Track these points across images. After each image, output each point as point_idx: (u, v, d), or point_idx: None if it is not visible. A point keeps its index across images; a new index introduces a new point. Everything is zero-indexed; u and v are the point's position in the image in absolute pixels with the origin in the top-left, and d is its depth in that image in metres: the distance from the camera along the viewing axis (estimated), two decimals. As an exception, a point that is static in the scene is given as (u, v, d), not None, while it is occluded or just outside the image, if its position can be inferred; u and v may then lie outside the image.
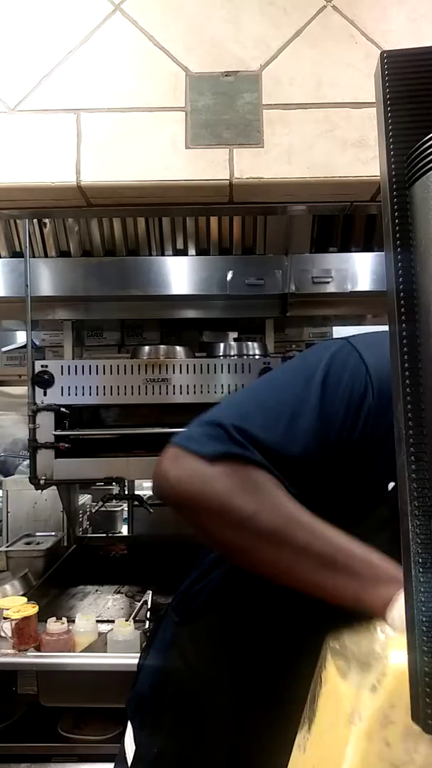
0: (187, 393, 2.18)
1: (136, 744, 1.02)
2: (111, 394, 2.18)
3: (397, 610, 0.68)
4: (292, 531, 0.77)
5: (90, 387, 2.19)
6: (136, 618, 1.89)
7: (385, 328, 0.62)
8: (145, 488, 3.42)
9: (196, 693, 0.98)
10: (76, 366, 2.21)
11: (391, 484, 0.81)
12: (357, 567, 0.74)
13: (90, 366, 2.20)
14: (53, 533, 2.65)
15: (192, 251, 2.39)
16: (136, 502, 2.74)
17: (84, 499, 3.09)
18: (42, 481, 2.15)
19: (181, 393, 2.18)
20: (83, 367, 2.21)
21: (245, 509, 0.78)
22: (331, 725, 0.67)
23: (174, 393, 2.17)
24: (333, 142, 1.41)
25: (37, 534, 2.61)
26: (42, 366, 2.20)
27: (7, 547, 2.46)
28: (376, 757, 0.60)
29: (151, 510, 2.44)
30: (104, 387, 2.19)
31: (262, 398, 0.86)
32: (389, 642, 0.65)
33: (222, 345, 2.49)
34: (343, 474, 0.84)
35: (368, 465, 0.83)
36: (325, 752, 0.67)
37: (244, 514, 0.78)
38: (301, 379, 0.84)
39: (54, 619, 1.76)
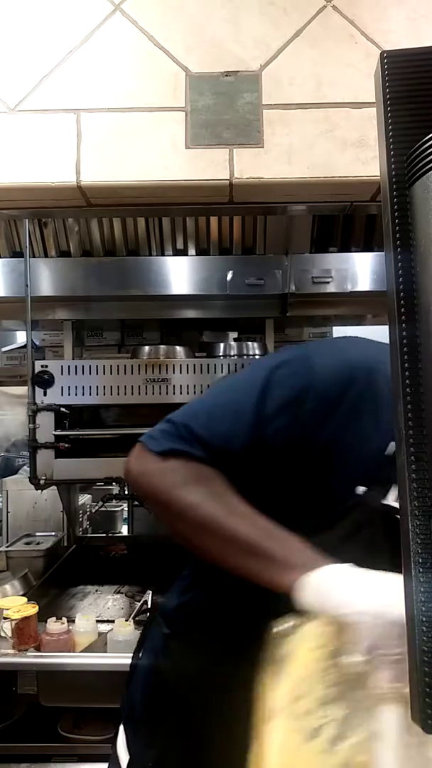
0: (187, 393, 2.18)
1: (130, 753, 1.02)
2: (111, 394, 2.18)
3: (300, 591, 0.74)
4: (220, 521, 0.84)
5: (90, 387, 2.19)
6: (136, 618, 1.89)
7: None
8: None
9: (189, 706, 0.97)
10: (76, 366, 2.21)
11: (361, 489, 0.83)
12: (277, 554, 0.80)
13: (90, 366, 2.20)
14: (53, 533, 2.65)
15: (192, 251, 2.39)
16: (136, 502, 2.74)
17: (84, 499, 3.09)
18: (42, 481, 2.15)
19: (181, 393, 2.18)
20: (83, 367, 2.21)
21: (183, 501, 0.86)
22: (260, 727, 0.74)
23: (174, 393, 2.17)
24: (333, 142, 1.41)
25: (37, 534, 2.61)
26: (42, 366, 2.20)
27: (7, 547, 2.46)
28: (293, 732, 0.68)
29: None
30: (104, 387, 2.19)
31: (212, 399, 0.94)
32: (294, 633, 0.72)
33: (222, 345, 2.49)
34: (303, 476, 0.87)
35: (326, 468, 0.86)
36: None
37: (182, 506, 0.87)
38: (248, 382, 0.91)
39: (54, 619, 1.76)
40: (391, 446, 0.81)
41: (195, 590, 1.03)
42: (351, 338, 1.03)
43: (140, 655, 1.08)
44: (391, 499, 0.84)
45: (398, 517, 0.80)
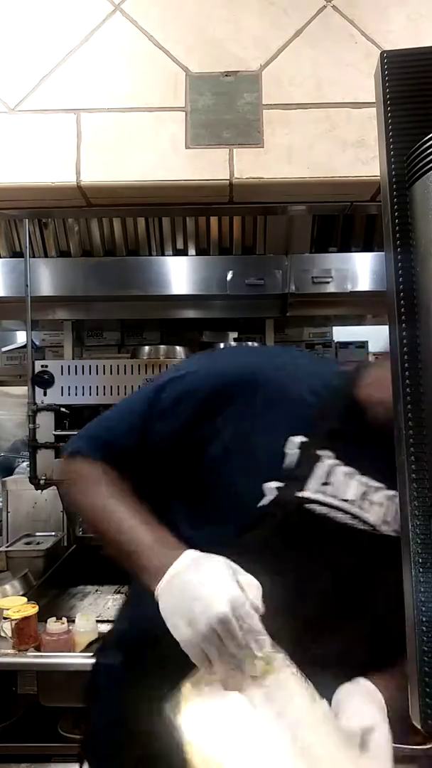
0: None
1: None
2: (111, 394, 2.18)
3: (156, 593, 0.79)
4: (95, 517, 0.95)
5: (90, 387, 2.19)
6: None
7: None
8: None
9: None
10: (76, 366, 2.21)
11: (271, 485, 0.84)
12: (143, 559, 0.84)
13: (90, 366, 2.20)
14: (53, 533, 2.64)
15: (192, 251, 2.39)
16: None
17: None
18: (42, 481, 2.15)
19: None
20: (83, 367, 2.21)
21: (75, 497, 1.00)
22: None
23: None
24: (333, 142, 1.41)
25: (37, 534, 2.61)
26: (42, 366, 2.20)
27: (7, 547, 2.46)
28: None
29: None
30: (104, 387, 2.19)
31: (116, 406, 1.03)
32: None
33: (222, 345, 2.49)
34: (201, 479, 0.92)
35: (222, 469, 0.89)
36: None
37: (75, 501, 1.01)
38: (144, 389, 1.00)
39: (54, 619, 1.76)
40: (290, 442, 0.86)
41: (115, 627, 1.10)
42: (232, 348, 1.15)
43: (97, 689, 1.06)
44: (309, 492, 0.85)
45: (312, 507, 0.85)
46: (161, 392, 0.94)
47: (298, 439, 0.85)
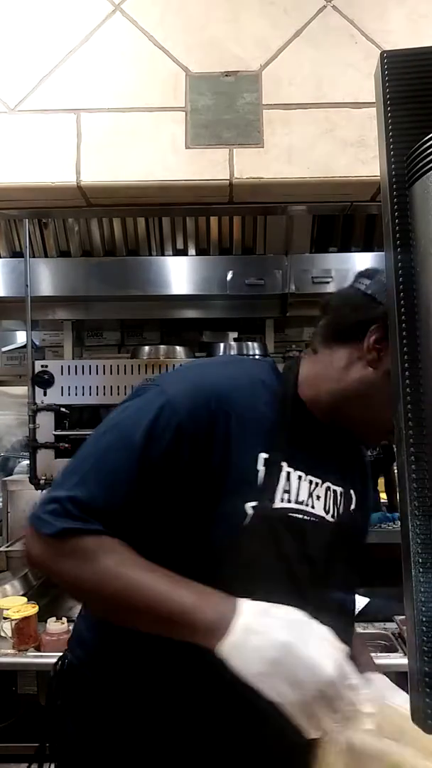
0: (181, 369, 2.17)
1: None
2: (111, 394, 2.18)
3: (226, 659, 0.76)
4: (131, 596, 0.83)
5: (90, 387, 2.19)
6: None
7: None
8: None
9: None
10: (76, 366, 2.21)
11: (250, 504, 0.88)
12: (198, 623, 0.79)
13: (90, 366, 2.20)
14: (53, 533, 2.64)
15: (192, 251, 2.39)
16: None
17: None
18: (42, 481, 2.15)
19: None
20: (83, 367, 2.21)
21: (89, 582, 0.86)
22: None
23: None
24: (333, 142, 1.41)
25: (37, 534, 2.60)
26: (42, 366, 2.20)
27: (7, 547, 2.45)
28: None
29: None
30: (104, 387, 2.19)
31: (91, 463, 0.90)
32: None
33: (222, 345, 2.49)
34: (199, 507, 0.90)
35: (217, 493, 0.88)
36: None
37: (90, 587, 0.86)
38: (119, 438, 0.90)
39: (54, 619, 1.76)
40: (259, 460, 0.90)
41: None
42: (198, 364, 1.12)
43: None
44: (281, 502, 0.91)
45: (294, 515, 0.91)
46: (151, 439, 0.87)
47: (263, 456, 0.91)
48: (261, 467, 0.90)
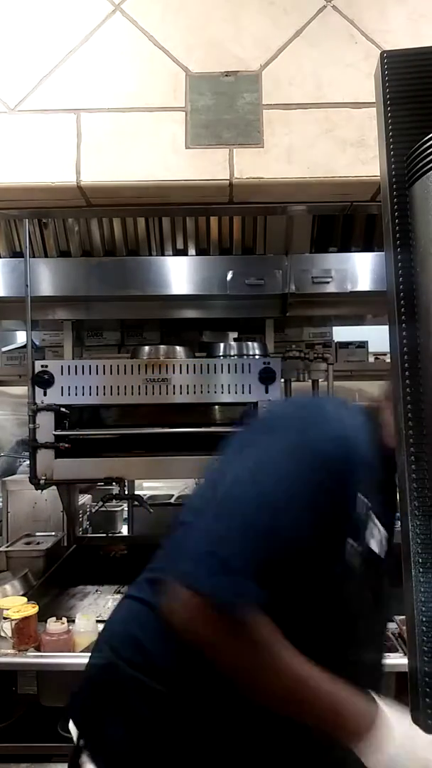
0: (187, 393, 2.17)
1: None
2: (111, 394, 2.18)
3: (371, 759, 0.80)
4: (295, 694, 0.85)
5: (90, 387, 2.18)
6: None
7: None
8: (145, 488, 3.42)
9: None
10: (76, 366, 2.21)
11: (350, 541, 0.91)
12: (349, 723, 0.83)
13: (90, 366, 2.20)
14: (53, 533, 2.64)
15: (192, 251, 2.39)
16: (136, 503, 2.74)
17: (84, 499, 3.08)
18: (42, 481, 2.15)
19: (181, 393, 2.17)
20: (83, 367, 2.20)
21: (252, 674, 0.85)
22: None
23: (174, 393, 2.17)
24: (333, 142, 1.41)
25: (37, 534, 2.61)
26: (42, 366, 2.20)
27: (7, 547, 2.46)
28: None
29: (151, 510, 2.44)
30: (104, 387, 2.18)
31: (266, 519, 0.84)
32: None
33: (222, 345, 2.48)
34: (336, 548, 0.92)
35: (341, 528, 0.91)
36: None
37: (249, 680, 0.85)
38: (296, 497, 0.85)
39: (54, 619, 1.76)
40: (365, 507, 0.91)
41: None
42: (335, 405, 1.04)
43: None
44: (372, 544, 0.95)
45: (375, 554, 0.94)
46: (323, 482, 0.85)
47: (365, 503, 0.93)
48: (363, 514, 0.93)
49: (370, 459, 0.90)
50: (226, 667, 0.86)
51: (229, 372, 2.19)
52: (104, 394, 2.18)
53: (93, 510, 3.15)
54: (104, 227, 2.33)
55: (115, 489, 2.74)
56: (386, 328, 0.61)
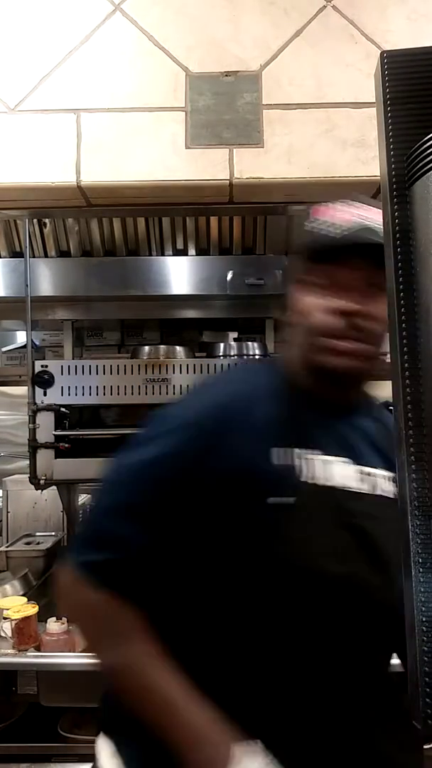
0: (187, 393, 2.17)
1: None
2: (111, 394, 2.18)
3: None
4: (145, 695, 0.89)
5: (90, 387, 2.18)
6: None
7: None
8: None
9: None
10: (76, 366, 2.21)
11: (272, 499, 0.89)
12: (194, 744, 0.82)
13: (90, 366, 2.20)
14: (53, 533, 2.64)
15: (192, 251, 2.39)
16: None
17: (84, 499, 3.08)
18: (42, 481, 2.15)
19: (181, 393, 2.17)
20: (83, 367, 2.20)
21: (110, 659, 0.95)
22: None
23: (174, 393, 2.17)
24: (333, 142, 1.41)
25: (37, 534, 2.60)
26: (42, 366, 2.19)
27: (7, 547, 2.45)
28: None
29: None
30: (104, 387, 2.18)
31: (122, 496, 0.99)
32: None
33: (222, 345, 2.48)
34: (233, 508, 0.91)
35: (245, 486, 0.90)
36: None
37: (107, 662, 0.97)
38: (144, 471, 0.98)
39: (54, 619, 1.76)
40: (273, 453, 0.90)
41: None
42: (225, 374, 1.12)
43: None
44: (336, 480, 0.92)
45: (321, 483, 0.90)
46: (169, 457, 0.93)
47: (276, 450, 0.91)
48: (275, 461, 0.90)
49: (274, 411, 0.92)
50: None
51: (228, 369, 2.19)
52: (104, 394, 2.18)
53: (93, 510, 3.15)
54: (104, 227, 2.33)
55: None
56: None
